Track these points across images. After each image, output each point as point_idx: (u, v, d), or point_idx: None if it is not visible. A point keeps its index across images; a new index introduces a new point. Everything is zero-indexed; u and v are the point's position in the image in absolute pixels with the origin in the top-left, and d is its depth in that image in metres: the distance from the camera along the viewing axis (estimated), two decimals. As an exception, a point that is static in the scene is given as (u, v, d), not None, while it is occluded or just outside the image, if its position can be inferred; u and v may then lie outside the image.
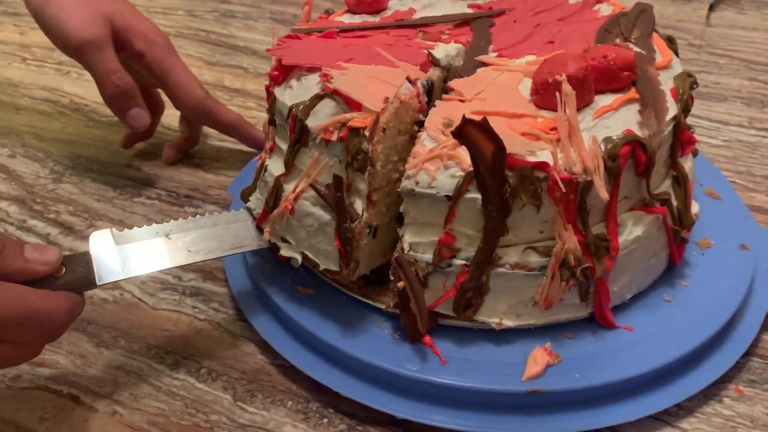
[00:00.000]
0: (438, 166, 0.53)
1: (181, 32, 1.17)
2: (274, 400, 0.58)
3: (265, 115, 0.96)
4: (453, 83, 0.59)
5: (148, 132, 0.86)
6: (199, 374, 0.60)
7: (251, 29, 1.18)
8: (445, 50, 0.62)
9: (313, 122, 0.56)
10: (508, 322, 0.56)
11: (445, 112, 0.56)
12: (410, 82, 0.57)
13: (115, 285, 0.68)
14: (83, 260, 0.55)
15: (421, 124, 0.58)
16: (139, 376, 0.60)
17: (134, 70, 0.80)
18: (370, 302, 0.60)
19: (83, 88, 1.00)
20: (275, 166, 0.61)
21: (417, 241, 0.55)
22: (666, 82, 0.58)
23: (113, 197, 0.80)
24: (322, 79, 0.57)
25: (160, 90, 0.86)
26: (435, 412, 0.54)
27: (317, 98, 0.57)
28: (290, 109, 0.58)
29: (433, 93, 0.60)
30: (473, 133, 0.50)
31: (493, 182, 0.51)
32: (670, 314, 0.59)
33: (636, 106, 0.55)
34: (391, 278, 0.57)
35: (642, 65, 0.57)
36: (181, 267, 0.69)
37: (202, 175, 0.83)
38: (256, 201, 0.63)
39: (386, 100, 0.54)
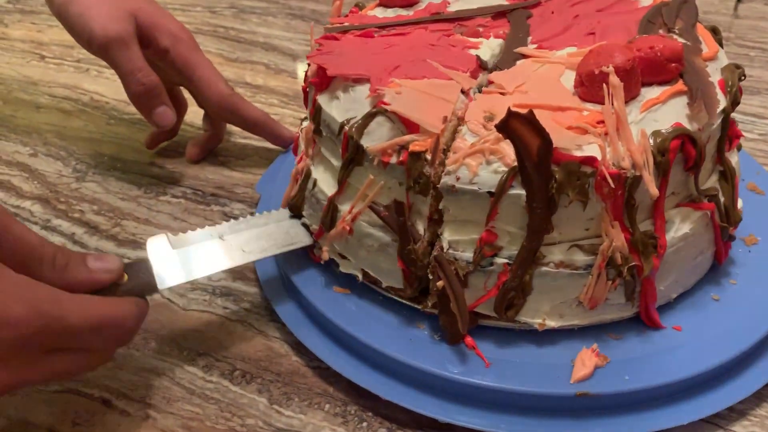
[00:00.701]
0: (480, 162, 0.51)
1: (200, 29, 1.15)
2: (311, 403, 0.56)
3: (288, 112, 0.95)
4: (493, 76, 0.57)
5: (172, 131, 0.84)
6: (233, 376, 0.58)
7: (270, 25, 1.17)
8: (490, 49, 0.60)
9: (368, 142, 0.54)
10: (552, 323, 0.55)
11: (486, 105, 0.54)
12: (463, 93, 0.56)
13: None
14: (143, 266, 0.55)
15: None
16: (171, 379, 0.58)
17: (158, 67, 0.78)
18: (408, 302, 0.58)
19: (103, 86, 0.99)
20: (325, 182, 0.59)
21: (457, 239, 0.54)
22: (714, 74, 0.56)
23: (138, 196, 0.79)
24: (372, 95, 0.55)
25: (182, 88, 0.84)
26: (478, 416, 0.52)
27: (370, 117, 0.54)
28: (341, 125, 0.56)
29: None
30: (519, 126, 0.48)
31: (539, 178, 0.49)
32: (719, 314, 0.57)
33: (684, 99, 0.54)
34: (430, 278, 0.55)
35: (689, 56, 0.56)
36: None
37: (227, 173, 0.82)
38: (310, 217, 0.62)
39: (445, 119, 0.52)
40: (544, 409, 0.52)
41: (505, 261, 0.53)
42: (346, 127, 0.55)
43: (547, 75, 0.57)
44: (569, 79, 0.56)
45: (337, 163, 0.58)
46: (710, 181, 0.58)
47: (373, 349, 0.55)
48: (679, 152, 0.52)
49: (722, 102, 0.55)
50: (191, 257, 0.57)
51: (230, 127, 0.88)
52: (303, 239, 0.62)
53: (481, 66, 0.59)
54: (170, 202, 0.78)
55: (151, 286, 0.55)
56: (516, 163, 0.50)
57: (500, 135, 0.50)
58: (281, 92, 0.97)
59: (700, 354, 0.54)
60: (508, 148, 0.51)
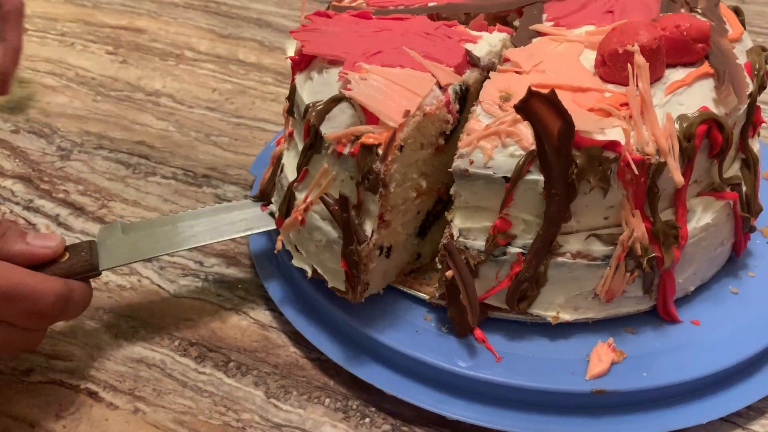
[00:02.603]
0: (495, 144, 0.48)
1: (190, 3, 1.11)
2: (310, 397, 0.53)
3: (283, 91, 0.91)
4: (508, 53, 0.54)
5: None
6: (228, 368, 0.55)
7: (264, 0, 1.13)
8: (489, 45, 0.55)
9: (328, 129, 0.50)
10: (566, 316, 0.52)
11: (502, 84, 0.51)
12: (440, 88, 0.51)
13: (132, 270, 0.64)
14: (87, 247, 0.54)
15: (448, 137, 0.53)
16: (162, 370, 0.55)
17: None
18: (413, 292, 0.55)
19: (89, 61, 0.95)
20: (290, 168, 0.56)
21: (468, 227, 0.51)
22: (740, 56, 0.53)
23: (126, 176, 0.75)
24: (340, 79, 0.51)
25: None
26: (487, 413, 0.50)
27: (334, 102, 0.50)
28: (306, 107, 0.52)
29: (468, 98, 0.54)
30: (539, 107, 0.45)
31: (559, 163, 0.47)
32: (737, 307, 0.55)
33: (710, 82, 0.51)
34: (439, 267, 0.52)
35: (714, 37, 0.53)
36: (201, 251, 0.65)
37: (220, 153, 0.78)
38: (276, 204, 0.58)
39: (406, 113, 0.48)
40: (558, 407, 0.50)
41: (519, 250, 0.50)
42: (309, 111, 0.52)
43: (565, 54, 0.54)
44: (588, 58, 0.53)
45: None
46: (732, 169, 0.55)
47: (376, 341, 0.52)
48: (705, 138, 0.49)
49: (750, 85, 0.52)
50: (138, 242, 0.56)
51: (223, 108, 0.84)
52: (263, 226, 0.59)
53: (470, 62, 0.54)
54: (160, 183, 0.74)
55: (91, 266, 0.53)
56: (534, 147, 0.47)
57: (517, 116, 0.47)
58: (275, 70, 0.93)
59: (719, 350, 0.51)
60: (526, 131, 0.48)
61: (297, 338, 0.57)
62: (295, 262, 0.56)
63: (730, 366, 0.50)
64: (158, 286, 0.62)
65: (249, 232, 0.59)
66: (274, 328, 0.59)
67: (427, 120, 0.50)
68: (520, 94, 0.46)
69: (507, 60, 0.54)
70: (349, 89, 0.49)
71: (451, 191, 0.51)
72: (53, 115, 0.84)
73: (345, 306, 0.54)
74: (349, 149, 0.49)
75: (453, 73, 0.53)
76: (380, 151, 0.48)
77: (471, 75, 0.54)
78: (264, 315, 0.60)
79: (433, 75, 0.51)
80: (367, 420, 0.52)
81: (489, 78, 0.53)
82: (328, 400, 0.53)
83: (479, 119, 0.49)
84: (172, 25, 1.02)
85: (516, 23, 0.60)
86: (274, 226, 0.58)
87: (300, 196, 0.54)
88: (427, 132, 0.51)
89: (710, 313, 0.54)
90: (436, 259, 0.53)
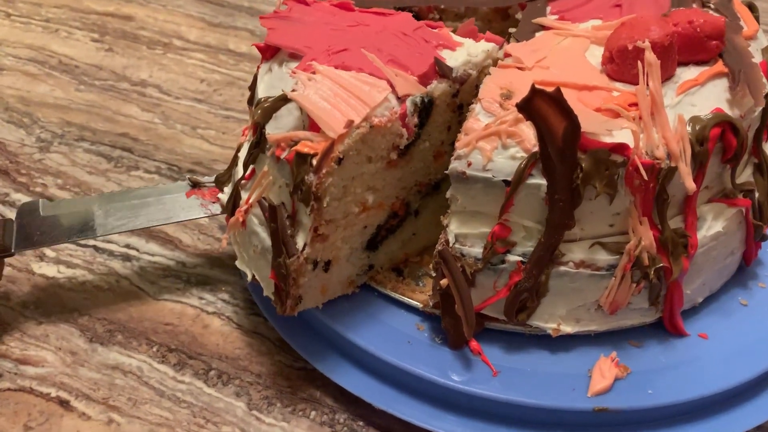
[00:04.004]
0: (495, 145, 0.45)
1: (180, -10, 1.07)
2: (294, 410, 0.50)
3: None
4: (510, 48, 0.51)
5: None
6: (208, 377, 0.52)
7: (257, -11, 1.09)
8: (468, 54, 0.51)
9: (272, 129, 0.47)
10: (567, 328, 0.49)
11: (503, 81, 0.48)
12: (398, 98, 0.47)
13: (111, 270, 0.61)
14: (1, 226, 0.53)
15: (404, 152, 0.49)
16: (138, 378, 0.52)
17: None
18: (406, 300, 0.52)
19: (74, 48, 0.91)
20: (241, 163, 0.53)
21: (465, 233, 0.48)
22: (755, 54, 0.50)
23: (107, 170, 0.72)
24: (293, 76, 0.47)
25: None
26: (482, 430, 0.48)
27: (282, 100, 0.47)
28: (258, 102, 0.49)
29: (432, 111, 0.50)
30: (543, 106, 0.42)
31: (563, 166, 0.44)
32: (747, 320, 0.52)
33: (724, 82, 0.48)
34: (433, 275, 0.49)
35: (729, 34, 0.50)
36: (184, 251, 0.62)
37: (206, 147, 0.75)
38: (225, 197, 0.55)
39: (349, 124, 0.45)
40: (557, 425, 0.47)
41: (519, 259, 0.47)
42: (257, 108, 0.48)
43: (570, 49, 0.50)
44: (595, 54, 0.50)
45: None
46: (744, 175, 0.52)
47: (366, 352, 0.50)
48: (718, 142, 0.46)
49: (766, 86, 0.49)
50: (58, 224, 0.54)
51: (211, 100, 0.81)
52: (183, 214, 0.56)
53: (439, 72, 0.49)
54: (142, 177, 0.71)
55: (3, 247, 0.52)
56: (537, 149, 0.44)
57: (519, 115, 0.44)
58: (267, 61, 0.90)
59: (728, 366, 0.49)
60: (528, 131, 0.45)
61: (282, 346, 0.54)
62: (238, 264, 0.53)
63: (740, 383, 0.48)
64: (138, 287, 0.59)
65: (169, 222, 0.56)
66: (258, 334, 0.56)
67: (375, 132, 0.47)
68: (522, 91, 0.43)
69: (508, 55, 0.50)
70: (295, 90, 0.46)
71: (447, 194, 0.48)
72: (34, 104, 0.81)
73: (332, 314, 0.52)
74: (286, 154, 0.45)
75: (416, 83, 0.48)
76: (314, 162, 0.44)
77: (438, 87, 0.49)
78: (248, 320, 0.57)
79: (390, 83, 0.47)
80: (355, 435, 0.49)
81: (459, 90, 0.50)
82: (313, 413, 0.50)
83: (478, 118, 0.46)
84: (161, 12, 0.99)
85: (518, 16, 0.57)
86: (197, 216, 0.56)
87: (244, 196, 0.51)
88: (376, 145, 0.48)
89: (719, 326, 0.51)
90: (431, 266, 0.50)
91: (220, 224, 0.65)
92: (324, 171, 0.44)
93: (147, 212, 0.55)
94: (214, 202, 0.56)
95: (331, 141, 0.44)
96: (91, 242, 0.63)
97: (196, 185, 0.57)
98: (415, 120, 0.49)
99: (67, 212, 0.55)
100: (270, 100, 0.48)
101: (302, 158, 0.44)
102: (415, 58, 0.50)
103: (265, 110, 0.47)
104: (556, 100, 0.42)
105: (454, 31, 0.54)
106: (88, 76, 0.86)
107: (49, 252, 0.62)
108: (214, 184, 0.58)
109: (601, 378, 0.47)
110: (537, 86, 0.42)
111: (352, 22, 0.53)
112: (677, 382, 0.47)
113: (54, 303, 0.58)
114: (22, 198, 0.68)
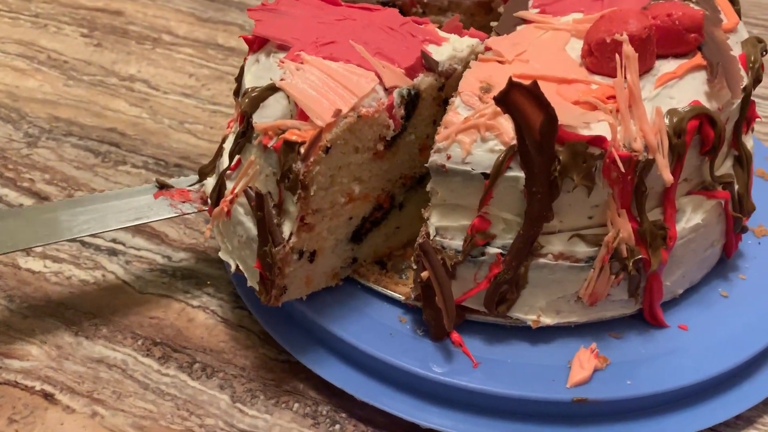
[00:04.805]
0: (474, 138, 0.46)
1: (170, -15, 1.07)
2: (278, 402, 0.51)
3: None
4: (490, 41, 0.51)
5: None
6: (192, 370, 0.53)
7: (247, -17, 1.09)
8: (453, 49, 0.51)
9: (260, 118, 0.47)
10: (547, 320, 0.49)
11: (482, 75, 0.48)
12: (385, 90, 0.48)
13: (97, 264, 0.61)
14: None
15: (390, 143, 0.49)
16: (123, 371, 0.53)
17: None
18: (388, 292, 0.53)
19: (62, 43, 0.91)
20: (227, 154, 0.53)
21: (445, 225, 0.48)
22: (734, 47, 0.51)
23: (94, 165, 0.72)
24: (281, 66, 0.48)
25: None
26: (463, 421, 0.48)
27: (270, 90, 0.47)
28: (245, 92, 0.49)
29: (419, 104, 0.50)
30: (520, 99, 0.43)
31: (541, 159, 0.44)
32: (727, 311, 0.52)
33: (703, 75, 0.48)
34: (414, 267, 0.50)
35: (708, 27, 0.50)
36: (170, 245, 0.62)
37: (194, 142, 0.75)
38: (209, 189, 0.55)
39: (337, 113, 0.45)
40: (537, 415, 0.47)
41: (499, 251, 0.47)
42: (244, 97, 0.49)
43: (550, 43, 0.51)
44: (575, 48, 0.50)
45: None
46: (724, 167, 0.52)
47: (348, 344, 0.50)
48: (696, 134, 0.46)
49: (744, 79, 0.49)
50: (16, 231, 0.52)
51: (199, 95, 0.81)
52: (153, 215, 0.55)
53: (426, 65, 0.50)
54: (130, 172, 0.71)
55: None
56: (515, 142, 0.44)
57: (498, 109, 0.44)
58: (256, 56, 0.90)
59: (707, 357, 0.49)
60: (506, 124, 0.45)
61: (266, 339, 0.54)
62: (221, 255, 0.53)
63: (719, 374, 0.48)
64: (123, 281, 0.60)
65: (137, 222, 0.55)
66: (242, 327, 0.56)
67: (362, 122, 0.47)
68: (501, 85, 0.44)
69: (489, 48, 0.51)
70: (284, 79, 0.46)
71: (428, 188, 0.48)
72: (22, 99, 0.81)
73: (315, 306, 0.52)
74: (273, 143, 0.46)
75: (403, 76, 0.49)
76: (302, 150, 0.44)
77: (424, 80, 0.50)
78: (233, 314, 0.57)
79: (377, 75, 0.48)
80: (337, 426, 0.49)
81: (445, 85, 0.50)
82: (296, 405, 0.51)
83: (458, 111, 0.47)
84: (151, 7, 0.99)
85: (501, 10, 0.57)
86: (168, 216, 0.55)
87: (230, 186, 0.51)
88: (363, 136, 0.48)
89: (699, 318, 0.52)
90: (412, 259, 0.50)
91: (206, 218, 0.65)
92: (312, 159, 0.45)
93: (115, 215, 0.55)
94: (183, 202, 0.56)
95: (319, 129, 0.45)
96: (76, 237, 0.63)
97: (163, 186, 0.57)
98: (402, 112, 0.49)
99: (28, 219, 0.54)
100: (257, 89, 0.48)
101: (290, 146, 0.45)
102: (401, 51, 0.50)
103: (252, 99, 0.48)
104: (533, 93, 0.42)
105: (440, 27, 0.55)
106: (77, 71, 0.86)
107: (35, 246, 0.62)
108: (182, 185, 0.58)
109: (581, 369, 0.47)
110: (514, 79, 0.42)
111: (339, 16, 0.54)
112: (657, 373, 0.48)
113: (40, 297, 0.58)
114: (8, 193, 0.68)
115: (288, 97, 0.46)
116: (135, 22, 0.95)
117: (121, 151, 0.73)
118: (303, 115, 0.45)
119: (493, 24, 0.55)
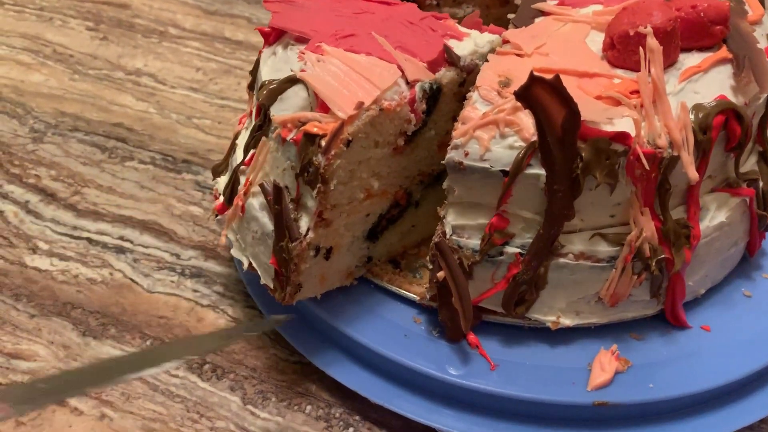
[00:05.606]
0: (493, 135, 0.44)
1: (177, -22, 1.06)
2: (290, 404, 0.50)
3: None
4: (508, 34, 0.50)
5: None
6: (202, 371, 0.52)
7: (254, -24, 1.08)
8: (475, 45, 0.50)
9: (278, 111, 0.46)
10: (567, 321, 0.48)
11: (501, 68, 0.47)
12: (407, 83, 0.47)
13: (105, 262, 0.60)
14: None
15: (410, 139, 0.48)
16: (131, 373, 0.52)
17: None
18: (402, 292, 0.52)
19: (68, 37, 0.90)
20: (241, 148, 0.51)
21: (462, 224, 0.47)
22: (761, 40, 0.49)
23: (101, 160, 0.71)
24: (300, 58, 0.47)
25: None
26: (480, 425, 0.47)
27: (288, 82, 0.46)
28: (262, 85, 0.48)
29: (440, 99, 0.49)
30: (542, 94, 0.41)
31: (562, 156, 0.43)
32: (751, 312, 0.51)
33: (728, 68, 0.47)
34: (429, 267, 0.48)
35: (734, 19, 0.48)
36: (179, 242, 0.61)
37: (202, 137, 0.74)
38: (221, 185, 0.53)
39: (359, 105, 0.44)
40: (557, 419, 0.46)
41: (518, 251, 0.46)
42: (262, 90, 0.47)
43: (570, 35, 0.49)
44: (595, 41, 0.48)
45: None
46: (748, 164, 0.51)
47: (362, 345, 0.49)
48: (722, 130, 0.45)
49: (771, 73, 0.48)
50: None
51: (206, 89, 0.80)
52: None
53: (448, 60, 0.49)
54: (137, 168, 0.70)
55: None
56: (535, 138, 0.43)
57: (518, 104, 0.43)
58: (264, 49, 0.89)
59: (731, 358, 0.48)
60: (526, 120, 0.43)
61: (277, 339, 0.53)
62: (234, 252, 0.52)
63: (742, 376, 0.47)
64: (131, 280, 0.59)
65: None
66: (253, 327, 0.55)
67: (384, 116, 0.46)
68: (520, 79, 0.42)
69: (507, 41, 0.49)
70: (304, 71, 0.45)
71: (444, 185, 0.47)
72: (27, 94, 0.80)
73: (327, 307, 0.51)
74: (293, 135, 0.45)
75: (425, 69, 0.48)
76: (323, 143, 0.43)
77: (446, 74, 0.49)
78: (243, 313, 0.56)
79: (399, 68, 0.47)
80: (351, 429, 0.48)
81: (466, 80, 0.49)
82: (309, 407, 0.50)
83: (475, 106, 0.45)
84: (157, 0, 0.97)
85: (518, 1, 0.55)
86: None
87: (243, 181, 0.50)
88: (384, 129, 0.47)
89: (721, 318, 0.50)
90: (427, 258, 0.49)
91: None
92: (333, 152, 0.44)
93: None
94: None
95: (340, 122, 0.44)
96: (85, 234, 0.62)
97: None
98: (423, 106, 0.48)
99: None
100: (275, 81, 0.47)
101: (310, 139, 0.44)
102: (422, 45, 0.49)
103: (270, 92, 0.47)
104: (556, 87, 0.41)
105: (455, 19, 0.53)
106: (83, 65, 0.85)
107: (41, 244, 0.61)
108: None
109: (601, 371, 0.46)
110: (536, 73, 0.41)
111: (357, 10, 0.53)
112: (679, 376, 0.46)
113: (46, 296, 0.57)
114: (14, 189, 0.67)
115: (308, 89, 0.45)
116: (141, 15, 0.94)
117: (128, 147, 0.72)
118: (324, 107, 0.44)
119: (510, 16, 0.54)
